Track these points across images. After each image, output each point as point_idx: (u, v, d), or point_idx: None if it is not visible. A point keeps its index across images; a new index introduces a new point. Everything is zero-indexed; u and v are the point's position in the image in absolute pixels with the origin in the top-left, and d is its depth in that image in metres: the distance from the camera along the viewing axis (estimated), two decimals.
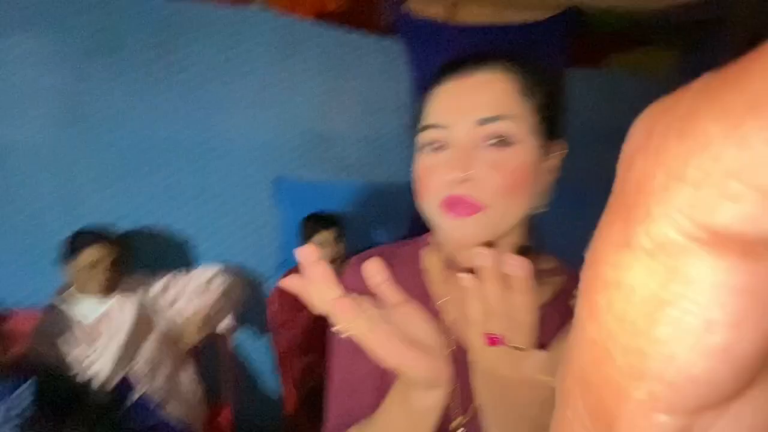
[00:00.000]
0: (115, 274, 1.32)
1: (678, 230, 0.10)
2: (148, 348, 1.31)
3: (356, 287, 0.51)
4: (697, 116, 0.09)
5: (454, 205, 0.43)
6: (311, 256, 0.40)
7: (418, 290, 0.50)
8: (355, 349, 0.49)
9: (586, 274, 0.12)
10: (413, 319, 0.44)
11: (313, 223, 1.55)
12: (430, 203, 0.46)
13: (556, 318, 0.44)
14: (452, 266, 0.51)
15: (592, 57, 1.99)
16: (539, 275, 0.45)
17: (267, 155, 1.60)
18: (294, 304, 1.56)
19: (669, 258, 0.10)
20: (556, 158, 0.48)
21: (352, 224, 1.57)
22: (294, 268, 1.64)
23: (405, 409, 0.40)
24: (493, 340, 0.37)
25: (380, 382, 0.49)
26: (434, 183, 0.45)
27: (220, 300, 1.43)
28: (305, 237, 1.55)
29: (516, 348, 0.36)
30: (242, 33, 1.42)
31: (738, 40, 1.88)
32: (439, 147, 0.45)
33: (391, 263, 0.50)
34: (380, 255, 0.52)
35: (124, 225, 1.50)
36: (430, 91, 0.48)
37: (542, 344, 0.41)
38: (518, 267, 0.34)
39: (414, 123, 0.51)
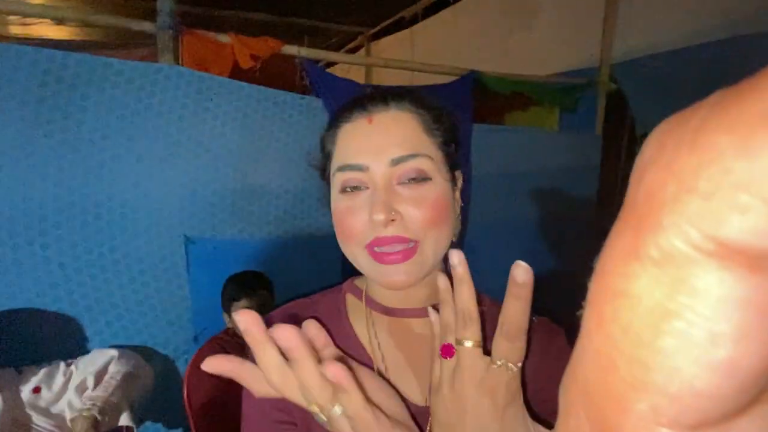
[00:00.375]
0: None
1: (686, 241, 0.10)
2: None
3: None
4: (708, 129, 0.09)
5: (389, 253, 0.43)
6: (255, 322, 0.33)
7: (345, 340, 0.48)
8: (282, 429, 0.46)
9: (594, 284, 0.12)
10: (371, 386, 0.40)
11: (240, 284, 1.40)
12: (356, 247, 0.45)
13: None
14: (380, 309, 0.50)
15: (492, 115, 2.26)
16: None
17: (176, 215, 1.44)
18: (215, 380, 1.36)
19: (676, 269, 0.10)
20: (459, 187, 0.50)
21: (279, 283, 1.46)
22: (212, 340, 1.45)
23: None
24: (446, 350, 0.37)
25: None
26: (358, 226, 0.44)
27: (119, 390, 1.18)
28: (230, 300, 1.39)
29: (466, 346, 0.35)
30: (151, 85, 1.32)
31: (602, 99, 2.30)
32: (356, 187, 0.45)
33: (312, 316, 0.47)
34: (297, 309, 0.52)
35: None
36: (339, 129, 0.47)
37: None
38: (455, 257, 0.35)
39: (324, 163, 0.50)
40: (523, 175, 2.17)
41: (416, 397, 0.45)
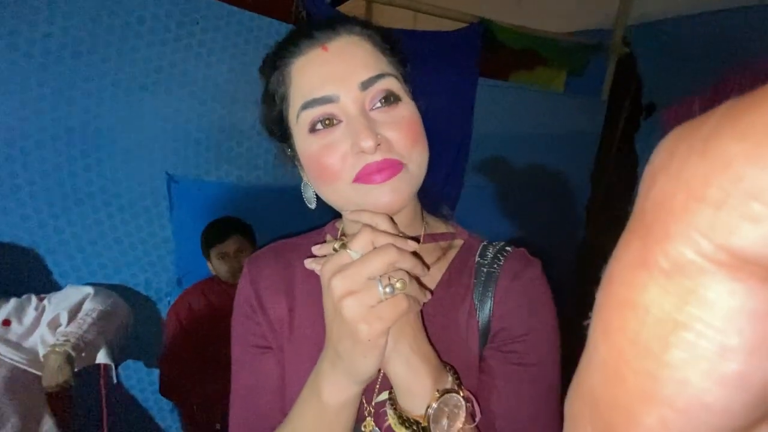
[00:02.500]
0: None
1: (696, 251, 0.09)
2: None
3: (254, 287, 0.51)
4: (719, 137, 0.09)
5: (375, 172, 0.41)
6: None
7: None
8: (259, 352, 0.50)
9: (601, 294, 0.12)
10: None
11: (215, 230, 1.35)
12: (341, 182, 0.42)
13: (463, 276, 0.48)
14: None
15: (499, 71, 2.15)
16: (436, 239, 0.50)
17: (158, 150, 1.34)
18: (193, 323, 1.33)
19: (686, 279, 0.10)
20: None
21: (267, 232, 1.40)
22: (192, 287, 1.41)
23: (320, 407, 0.40)
24: None
25: (281, 383, 0.49)
26: (340, 160, 0.42)
27: (94, 328, 1.14)
28: (208, 247, 1.35)
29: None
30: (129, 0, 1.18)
31: (612, 63, 2.20)
32: (328, 123, 0.42)
33: (292, 256, 0.52)
34: (280, 249, 0.54)
35: None
36: (289, 66, 0.44)
37: (456, 301, 0.46)
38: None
39: (277, 111, 0.46)
40: (523, 136, 2.11)
41: None
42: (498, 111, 1.98)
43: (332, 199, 0.45)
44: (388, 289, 0.35)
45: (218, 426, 1.38)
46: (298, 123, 0.43)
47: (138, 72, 1.24)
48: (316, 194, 0.48)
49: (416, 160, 0.43)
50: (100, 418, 1.25)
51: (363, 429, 0.45)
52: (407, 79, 0.46)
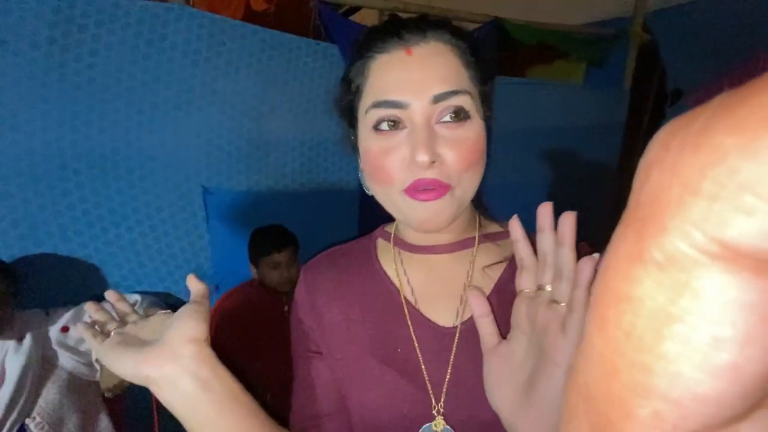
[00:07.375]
0: None
1: (690, 244, 0.09)
2: (48, 397, 1.08)
3: (310, 294, 0.53)
4: (713, 130, 0.09)
5: (423, 191, 0.42)
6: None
7: (375, 277, 0.51)
8: (310, 356, 0.52)
9: (597, 287, 0.12)
10: None
11: (269, 239, 1.40)
12: (393, 188, 0.43)
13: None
14: (407, 248, 0.51)
15: (514, 68, 2.16)
16: (493, 238, 0.51)
17: (193, 165, 1.43)
18: (233, 325, 1.40)
19: (680, 272, 0.10)
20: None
21: (297, 236, 1.46)
22: (233, 290, 1.48)
23: None
24: None
25: (332, 384, 0.51)
26: (396, 167, 0.42)
27: None
28: (259, 254, 1.40)
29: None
30: (162, 27, 1.26)
31: (633, 51, 2.16)
32: (393, 126, 0.42)
33: (344, 262, 0.54)
34: (332, 255, 0.55)
35: (11, 253, 1.24)
36: (371, 60, 0.44)
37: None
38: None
39: (350, 99, 0.46)
40: (544, 132, 2.09)
41: (443, 321, 0.48)
42: (518, 108, 1.98)
43: (381, 199, 0.46)
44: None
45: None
46: (366, 118, 0.43)
47: (172, 93, 1.33)
48: None
49: (465, 184, 0.43)
50: (150, 417, 1.34)
51: (434, 428, 0.44)
52: (486, 97, 0.45)
